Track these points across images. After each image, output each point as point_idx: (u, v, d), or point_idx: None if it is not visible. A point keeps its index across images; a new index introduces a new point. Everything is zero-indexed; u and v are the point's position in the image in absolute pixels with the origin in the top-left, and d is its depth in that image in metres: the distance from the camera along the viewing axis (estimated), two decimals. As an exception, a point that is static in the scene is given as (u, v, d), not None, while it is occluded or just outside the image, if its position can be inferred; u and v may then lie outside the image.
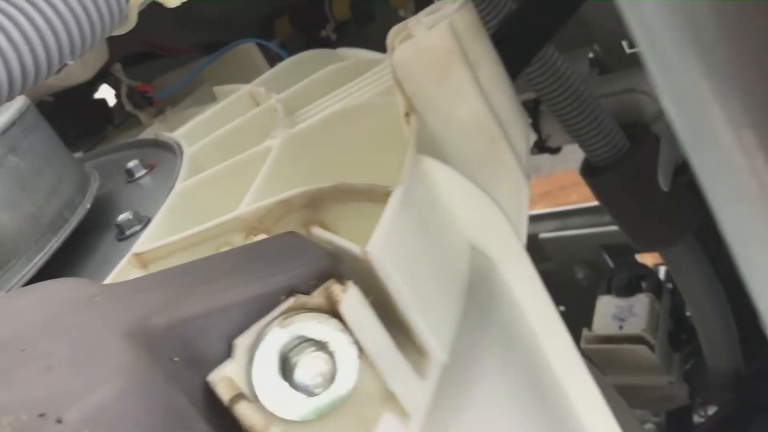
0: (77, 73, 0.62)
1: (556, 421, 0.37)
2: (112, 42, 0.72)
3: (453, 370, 0.31)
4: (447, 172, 0.36)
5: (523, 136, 0.41)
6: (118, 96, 0.71)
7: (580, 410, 0.39)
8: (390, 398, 0.27)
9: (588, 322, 0.94)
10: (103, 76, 0.73)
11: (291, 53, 0.70)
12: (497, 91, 0.39)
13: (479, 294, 0.35)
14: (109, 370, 0.22)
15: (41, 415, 0.20)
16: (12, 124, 0.42)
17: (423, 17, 0.40)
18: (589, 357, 0.89)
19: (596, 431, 0.39)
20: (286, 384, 0.26)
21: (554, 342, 0.38)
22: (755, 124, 0.18)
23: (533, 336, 0.38)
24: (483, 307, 0.34)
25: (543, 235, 1.00)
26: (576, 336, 0.95)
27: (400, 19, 0.80)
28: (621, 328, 0.85)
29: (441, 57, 0.37)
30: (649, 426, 0.95)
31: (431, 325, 0.29)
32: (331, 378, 0.26)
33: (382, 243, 0.29)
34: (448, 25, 0.37)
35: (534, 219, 1.04)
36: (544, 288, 0.37)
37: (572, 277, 0.99)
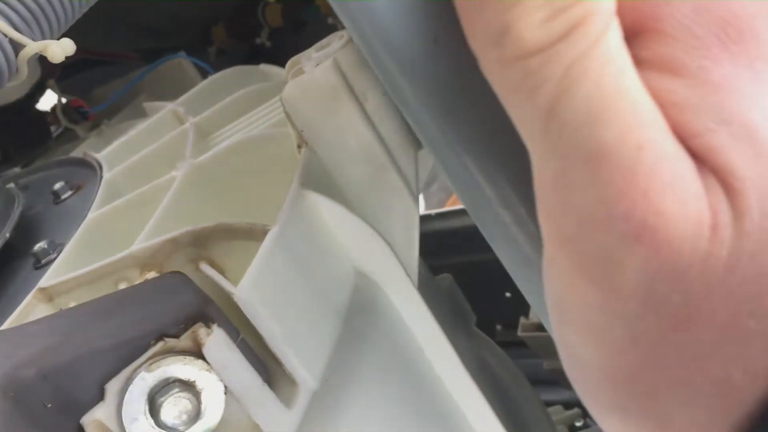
0: (10, 92, 0.64)
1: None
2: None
3: (325, 395, 0.33)
4: (330, 205, 0.38)
5: (411, 160, 0.43)
6: (54, 110, 0.72)
7: (471, 420, 0.42)
8: (255, 429, 0.30)
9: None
10: (42, 88, 0.75)
11: (228, 60, 0.71)
12: (384, 120, 0.41)
13: (361, 316, 0.37)
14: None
15: None
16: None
17: (314, 53, 0.42)
18: (527, 344, 0.93)
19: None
20: (152, 422, 0.28)
21: (440, 356, 0.41)
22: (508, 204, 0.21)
23: (420, 352, 0.40)
24: (363, 329, 0.37)
25: (484, 228, 1.03)
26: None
27: (329, 26, 0.82)
28: (556, 316, 0.88)
29: (327, 93, 0.39)
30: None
31: (302, 356, 0.32)
32: (197, 415, 0.29)
33: (251, 285, 0.31)
34: (332, 63, 0.39)
35: (475, 212, 1.07)
36: (427, 308, 0.40)
37: (514, 266, 1.02)
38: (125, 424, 0.28)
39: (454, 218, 1.12)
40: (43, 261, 0.44)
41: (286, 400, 0.31)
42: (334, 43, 0.41)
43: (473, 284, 0.82)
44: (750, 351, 0.17)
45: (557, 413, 0.81)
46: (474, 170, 0.21)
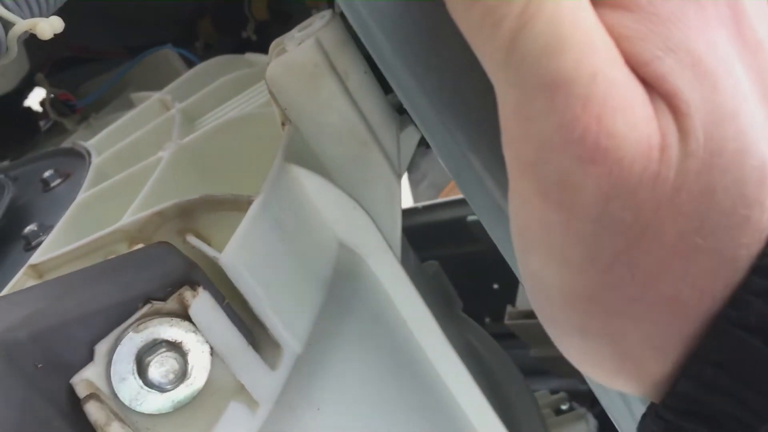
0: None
1: (428, 399, 0.41)
2: (40, 48, 0.74)
3: (308, 359, 0.34)
4: (314, 179, 0.39)
5: (393, 137, 0.44)
6: (42, 104, 0.73)
7: (451, 387, 0.43)
8: (240, 389, 0.30)
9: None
10: (30, 83, 0.75)
11: (215, 54, 0.72)
12: (366, 98, 0.42)
13: (344, 287, 0.38)
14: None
15: None
16: None
17: (296, 33, 0.43)
18: (513, 332, 0.94)
19: (469, 410, 0.43)
20: (140, 382, 0.29)
21: (422, 326, 0.42)
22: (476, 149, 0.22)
23: (402, 323, 0.41)
24: (346, 299, 0.38)
25: (470, 218, 1.04)
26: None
27: (315, 18, 0.83)
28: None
29: (310, 71, 0.40)
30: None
31: (285, 320, 0.33)
32: (183, 374, 0.30)
33: (235, 251, 0.32)
34: (314, 41, 0.40)
35: (461, 203, 1.08)
36: (409, 279, 0.41)
37: (500, 256, 1.03)
38: (114, 383, 0.29)
39: (441, 211, 1.13)
40: (33, 243, 0.45)
41: (271, 363, 0.32)
42: (316, 23, 0.42)
43: (461, 276, 0.83)
44: (697, 268, 0.18)
45: (543, 398, 0.82)
46: (445, 114, 0.22)
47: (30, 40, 0.40)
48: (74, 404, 0.28)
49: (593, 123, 0.17)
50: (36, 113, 0.79)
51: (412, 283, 0.41)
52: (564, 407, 0.79)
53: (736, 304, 0.18)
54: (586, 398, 0.99)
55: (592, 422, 0.77)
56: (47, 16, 0.34)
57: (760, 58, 0.19)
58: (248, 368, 0.31)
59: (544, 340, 0.83)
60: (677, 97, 0.17)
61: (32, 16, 0.34)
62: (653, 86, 0.18)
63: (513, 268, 0.25)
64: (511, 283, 1.03)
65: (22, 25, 0.34)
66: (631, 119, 0.17)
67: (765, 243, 0.18)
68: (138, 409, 0.29)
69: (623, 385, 0.20)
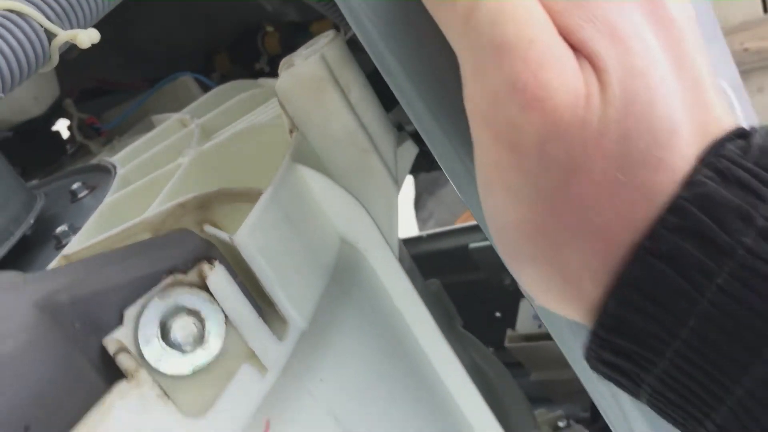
0: (31, 108, 0.70)
1: (417, 380, 0.45)
2: (68, 79, 0.80)
3: (312, 335, 0.38)
4: (319, 178, 0.43)
5: (391, 147, 0.48)
6: (70, 128, 0.78)
7: (441, 373, 0.46)
8: (251, 355, 0.34)
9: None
10: (58, 111, 0.81)
11: (229, 84, 0.77)
12: (367, 110, 0.47)
13: (345, 277, 0.42)
14: (17, 328, 0.29)
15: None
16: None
17: (303, 50, 0.48)
18: (514, 355, 0.97)
19: (456, 391, 0.46)
20: (163, 344, 0.33)
21: (416, 317, 0.45)
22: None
23: (397, 313, 0.45)
24: (347, 287, 0.42)
25: (472, 245, 1.08)
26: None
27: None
28: (540, 326, 0.93)
29: (315, 83, 0.45)
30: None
31: (292, 298, 0.37)
32: (201, 339, 0.34)
33: (248, 232, 0.36)
34: (319, 57, 0.45)
35: (464, 231, 1.13)
36: (404, 273, 0.45)
37: (501, 283, 1.07)
38: (140, 344, 0.33)
39: (445, 239, 1.17)
40: (64, 242, 0.49)
41: (279, 335, 0.36)
42: (321, 41, 0.47)
43: (464, 304, 0.86)
44: (621, 202, 0.22)
45: (542, 415, 0.84)
46: (419, 86, 0.27)
47: (60, 68, 0.45)
48: (106, 360, 0.32)
49: (531, 78, 0.22)
50: (61, 138, 0.84)
51: (408, 278, 0.45)
52: (561, 424, 0.82)
53: (652, 236, 0.22)
54: (585, 423, 1.01)
55: (589, 437, 0.79)
56: (86, 28, 0.39)
57: (672, 32, 0.23)
58: (258, 337, 0.35)
59: (544, 364, 0.87)
60: (597, 57, 0.22)
61: (72, 27, 0.39)
62: (579, 49, 0.23)
63: (488, 236, 0.29)
64: (513, 311, 1.06)
65: (63, 36, 0.39)
66: (561, 75, 0.22)
67: (680, 186, 0.22)
68: (161, 369, 0.33)
69: (569, 310, 0.24)
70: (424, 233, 1.18)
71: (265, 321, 0.36)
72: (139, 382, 0.30)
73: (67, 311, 0.32)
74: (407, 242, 1.23)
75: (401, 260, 0.48)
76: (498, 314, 1.20)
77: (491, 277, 1.07)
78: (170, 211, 0.40)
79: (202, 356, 0.34)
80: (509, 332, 0.97)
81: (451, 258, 1.16)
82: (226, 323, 0.34)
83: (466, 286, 1.13)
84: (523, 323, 0.97)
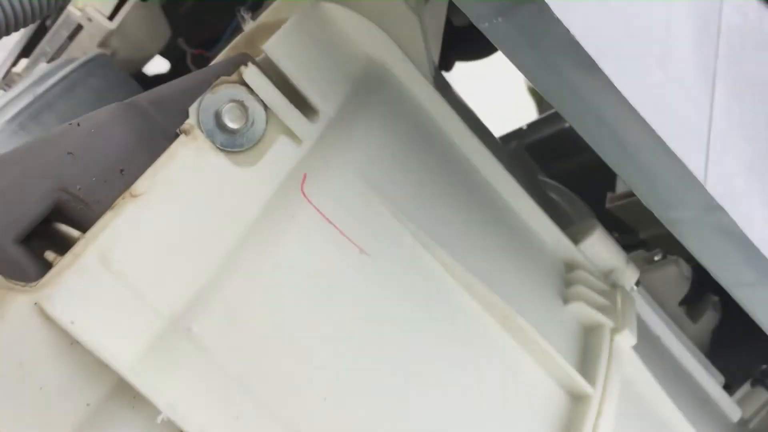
0: (148, 46, 0.84)
1: (449, 167, 0.53)
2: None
3: (342, 121, 0.47)
4: (342, 11, 0.52)
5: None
6: (181, 62, 0.93)
7: (477, 165, 0.54)
8: (287, 131, 0.44)
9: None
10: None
11: None
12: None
13: (374, 84, 0.51)
14: (109, 108, 0.41)
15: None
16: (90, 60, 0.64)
17: None
18: (617, 214, 1.00)
19: (493, 180, 0.54)
20: (219, 129, 0.44)
21: (446, 118, 0.54)
22: None
23: (427, 114, 0.54)
24: (375, 90, 0.51)
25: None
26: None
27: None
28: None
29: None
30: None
31: (317, 92, 0.46)
32: (246, 121, 0.44)
33: (274, 41, 0.46)
34: None
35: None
36: (430, 85, 0.53)
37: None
38: (203, 128, 0.44)
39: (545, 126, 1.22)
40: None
41: (311, 119, 0.46)
42: None
43: (578, 189, 0.92)
44: None
45: (639, 255, 0.88)
46: None
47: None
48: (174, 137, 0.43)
49: None
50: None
51: (440, 95, 0.53)
52: (657, 258, 0.86)
53: None
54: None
55: (684, 266, 0.83)
56: None
57: None
58: (293, 118, 0.44)
59: (649, 220, 0.92)
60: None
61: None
62: None
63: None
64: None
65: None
66: None
67: None
68: (221, 146, 0.44)
69: None
70: (524, 125, 1.23)
71: (300, 110, 0.46)
72: (195, 137, 0.41)
73: (148, 109, 0.44)
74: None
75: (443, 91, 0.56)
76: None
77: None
78: (238, 41, 0.51)
79: (249, 134, 0.44)
80: (609, 194, 1.01)
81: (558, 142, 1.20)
82: (266, 110, 0.45)
83: (578, 169, 1.16)
84: (621, 185, 1.00)
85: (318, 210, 0.43)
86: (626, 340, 0.53)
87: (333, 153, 0.46)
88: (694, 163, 0.44)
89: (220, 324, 0.39)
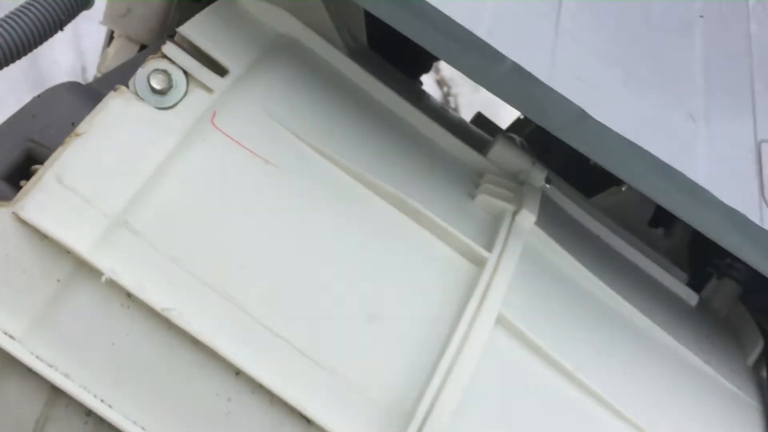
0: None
1: (359, 110, 0.65)
2: None
3: (248, 76, 0.61)
4: (256, 2, 0.67)
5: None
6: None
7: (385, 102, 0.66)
8: (201, 84, 0.58)
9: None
10: None
11: None
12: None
13: (280, 50, 0.65)
14: (61, 84, 0.56)
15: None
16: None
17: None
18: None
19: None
20: (150, 91, 0.58)
21: (356, 74, 0.66)
22: None
23: (338, 71, 0.66)
24: (281, 54, 0.64)
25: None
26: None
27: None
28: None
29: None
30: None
31: (225, 54, 0.60)
32: (172, 84, 0.58)
33: (190, 23, 0.60)
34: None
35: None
36: (341, 52, 0.66)
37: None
38: (138, 91, 0.58)
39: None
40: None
41: (221, 75, 0.60)
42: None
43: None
44: None
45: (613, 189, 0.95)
46: None
47: None
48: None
49: None
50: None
51: (349, 58, 0.66)
52: (623, 188, 0.93)
53: None
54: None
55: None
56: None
57: None
58: (204, 74, 0.58)
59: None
60: None
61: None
62: None
63: None
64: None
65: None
66: None
67: None
68: (152, 104, 0.58)
69: None
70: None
71: (213, 70, 0.60)
72: (122, 92, 0.56)
73: (92, 83, 0.59)
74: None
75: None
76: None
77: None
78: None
79: (174, 94, 0.58)
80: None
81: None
82: (186, 76, 0.59)
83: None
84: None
85: (224, 132, 0.56)
86: (525, 218, 0.62)
87: (240, 96, 0.59)
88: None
89: (150, 216, 0.52)
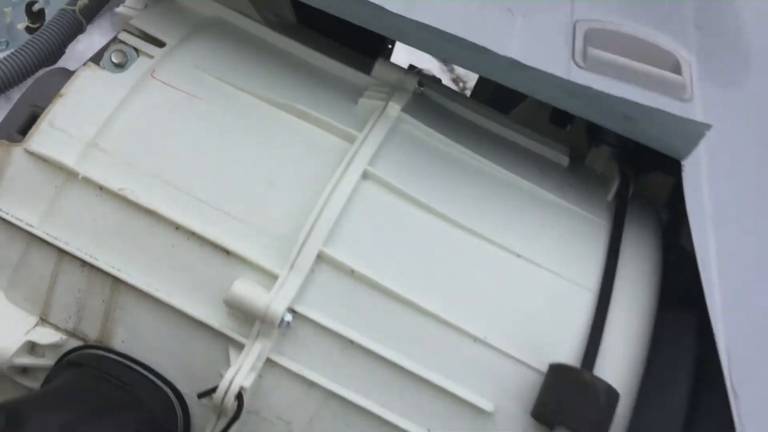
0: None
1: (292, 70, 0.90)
2: None
3: (180, 45, 0.86)
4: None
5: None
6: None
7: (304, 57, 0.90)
8: (147, 55, 0.84)
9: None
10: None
11: None
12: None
13: (207, 26, 0.90)
14: (53, 67, 0.83)
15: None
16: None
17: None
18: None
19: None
20: (112, 64, 0.84)
21: (270, 36, 0.91)
22: None
23: (255, 36, 0.91)
24: (208, 29, 0.89)
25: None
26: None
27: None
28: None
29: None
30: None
31: (158, 31, 0.86)
32: (127, 58, 0.84)
33: (138, 17, 0.86)
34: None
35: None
36: (259, 23, 0.91)
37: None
38: (104, 65, 0.84)
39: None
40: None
41: (160, 46, 0.85)
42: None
43: None
44: None
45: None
46: None
47: None
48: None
49: None
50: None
51: (266, 26, 0.90)
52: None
53: None
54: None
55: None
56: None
57: None
58: (145, 47, 0.84)
59: None
60: None
61: None
62: None
63: None
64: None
65: None
66: None
67: None
68: (113, 72, 0.84)
69: None
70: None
71: (154, 44, 0.85)
72: (90, 65, 0.82)
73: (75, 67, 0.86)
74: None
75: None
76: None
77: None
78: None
79: (132, 69, 0.84)
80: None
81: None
82: (137, 52, 0.85)
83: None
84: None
85: (160, 80, 0.81)
86: (391, 107, 0.84)
87: (174, 58, 0.85)
88: None
89: (112, 139, 0.77)
